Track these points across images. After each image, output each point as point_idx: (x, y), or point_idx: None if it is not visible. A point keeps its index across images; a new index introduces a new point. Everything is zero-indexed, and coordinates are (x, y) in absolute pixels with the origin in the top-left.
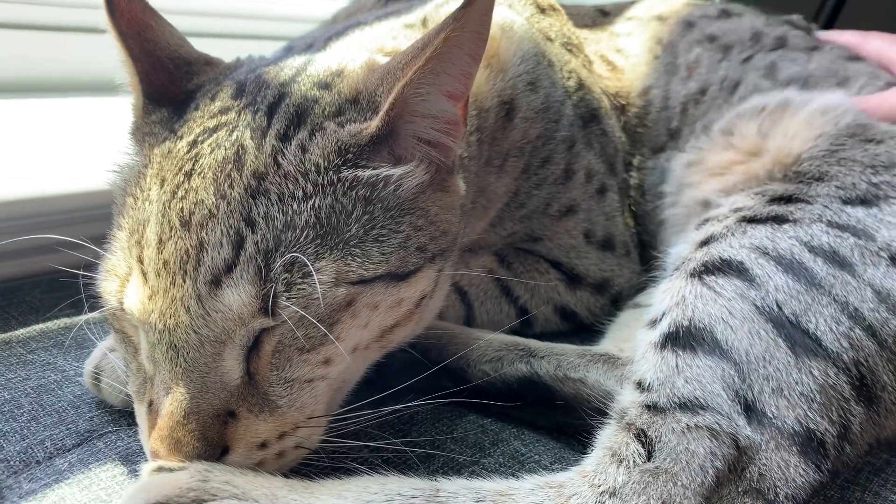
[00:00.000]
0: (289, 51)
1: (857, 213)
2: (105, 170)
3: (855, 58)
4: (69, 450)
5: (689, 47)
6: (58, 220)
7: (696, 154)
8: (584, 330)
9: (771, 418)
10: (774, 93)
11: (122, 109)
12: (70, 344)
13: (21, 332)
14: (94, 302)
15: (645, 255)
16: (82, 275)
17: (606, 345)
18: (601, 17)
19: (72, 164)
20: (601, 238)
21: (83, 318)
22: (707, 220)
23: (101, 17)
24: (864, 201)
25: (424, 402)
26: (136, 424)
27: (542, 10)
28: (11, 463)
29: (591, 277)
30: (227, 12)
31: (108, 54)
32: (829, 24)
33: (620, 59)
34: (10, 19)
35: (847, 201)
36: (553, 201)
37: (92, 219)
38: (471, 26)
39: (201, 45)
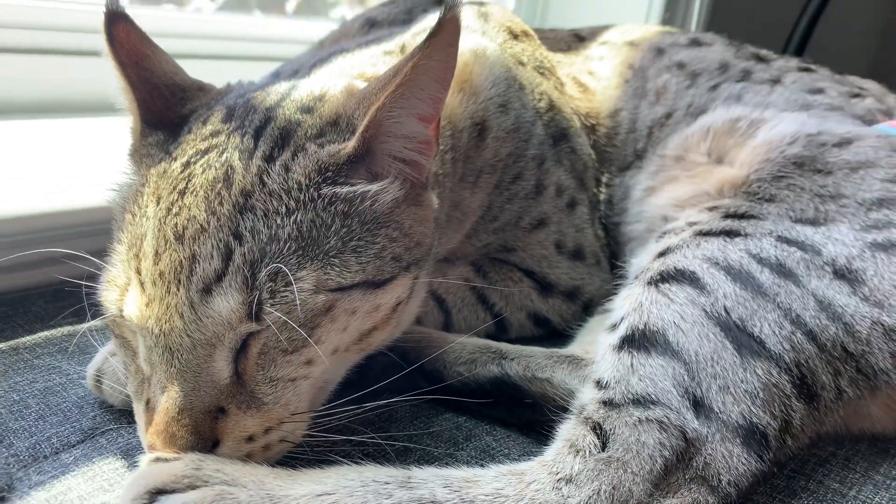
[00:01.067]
0: (276, 76)
1: (806, 231)
2: (105, 188)
3: (817, 90)
4: (74, 445)
5: (658, 73)
6: (61, 235)
7: (656, 173)
8: (557, 335)
9: (717, 413)
10: (720, 111)
11: (120, 129)
12: (73, 349)
13: (27, 339)
14: (96, 310)
15: (615, 264)
16: (84, 285)
17: (574, 348)
18: (576, 42)
19: (73, 182)
20: (571, 248)
21: (85, 325)
22: (665, 233)
23: (101, 43)
24: (813, 222)
25: (403, 399)
26: (135, 423)
27: (515, 37)
28: (21, 457)
29: (563, 285)
30: (220, 35)
31: (106, 76)
32: (799, 51)
33: (592, 82)
34: (17, 44)
35: (797, 220)
36: (525, 214)
37: (93, 233)
38: (437, 55)
39: (196, 67)
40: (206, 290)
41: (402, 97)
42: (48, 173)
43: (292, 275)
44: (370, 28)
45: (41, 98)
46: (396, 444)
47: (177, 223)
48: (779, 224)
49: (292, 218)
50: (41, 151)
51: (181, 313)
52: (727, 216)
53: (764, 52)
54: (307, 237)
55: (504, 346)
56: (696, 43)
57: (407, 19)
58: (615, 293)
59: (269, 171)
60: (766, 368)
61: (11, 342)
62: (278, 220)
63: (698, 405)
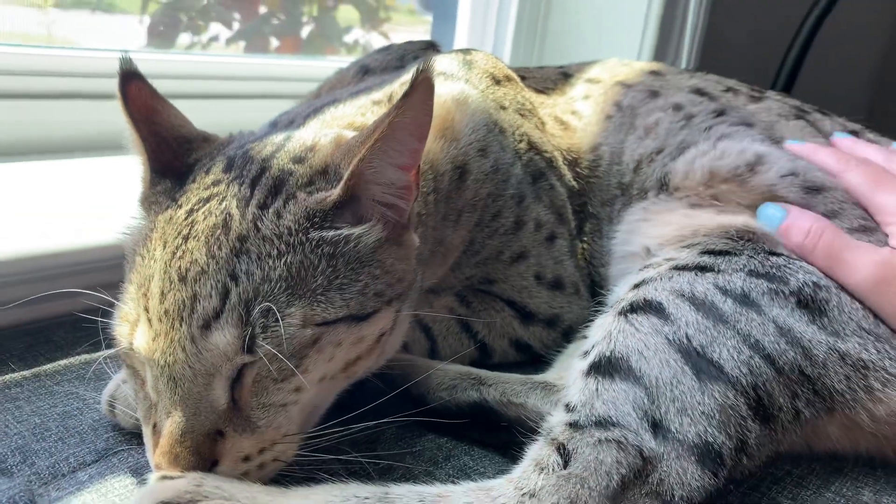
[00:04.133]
0: (273, 126)
1: (779, 261)
2: (114, 226)
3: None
4: (89, 464)
5: (649, 112)
6: (79, 270)
7: (650, 208)
8: (538, 359)
9: (674, 433)
10: (709, 152)
11: (128, 168)
12: (90, 376)
13: (48, 366)
14: (110, 341)
15: (598, 291)
16: (100, 321)
17: (549, 374)
18: (562, 79)
19: (85, 220)
20: (551, 279)
21: (100, 354)
22: (646, 267)
23: (110, 86)
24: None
25: (389, 421)
26: (143, 444)
27: (498, 82)
28: (42, 475)
29: (543, 314)
30: (223, 75)
31: (116, 119)
32: (787, 87)
33: (574, 120)
34: (29, 90)
35: (772, 253)
36: (505, 249)
37: (106, 268)
38: (410, 113)
39: (199, 106)
40: (206, 326)
41: (381, 150)
42: (59, 212)
43: (281, 312)
44: (364, 75)
45: (58, 138)
46: (380, 463)
47: (180, 266)
48: (754, 258)
49: (283, 260)
50: (48, 191)
51: (183, 346)
52: (704, 252)
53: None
54: (296, 277)
55: (483, 372)
56: (699, 92)
57: (399, 66)
58: (593, 320)
59: (263, 217)
60: (722, 391)
61: (34, 370)
62: (270, 263)
63: (656, 426)
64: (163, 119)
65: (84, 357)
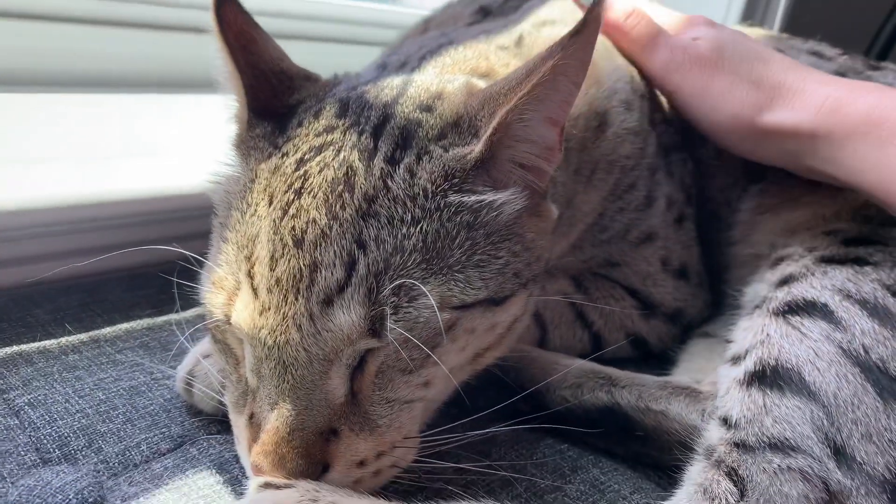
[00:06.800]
0: (383, 68)
1: None
2: (203, 178)
3: None
4: (164, 454)
5: None
6: (139, 220)
7: (769, 189)
8: (652, 357)
9: (860, 463)
10: None
11: (198, 108)
12: (154, 345)
13: (107, 330)
14: (184, 303)
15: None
16: (176, 282)
17: (681, 376)
18: None
19: (151, 161)
20: (677, 267)
21: (162, 318)
22: (781, 259)
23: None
24: None
25: (507, 426)
26: (225, 432)
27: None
28: (111, 464)
29: (666, 306)
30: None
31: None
32: (883, 55)
33: None
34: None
35: None
36: (633, 227)
37: (172, 219)
38: (578, 55)
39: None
40: (328, 302)
41: (536, 99)
42: (122, 152)
43: (416, 290)
44: (484, 16)
45: (132, 71)
46: (500, 473)
47: (295, 226)
48: None
49: (417, 227)
50: (106, 128)
51: (299, 325)
52: (848, 241)
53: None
54: (432, 249)
55: (613, 371)
56: (818, 55)
57: (517, 6)
58: (711, 316)
59: (393, 174)
60: None
61: (92, 333)
62: (403, 230)
63: (839, 454)
64: (261, 50)
65: (146, 322)
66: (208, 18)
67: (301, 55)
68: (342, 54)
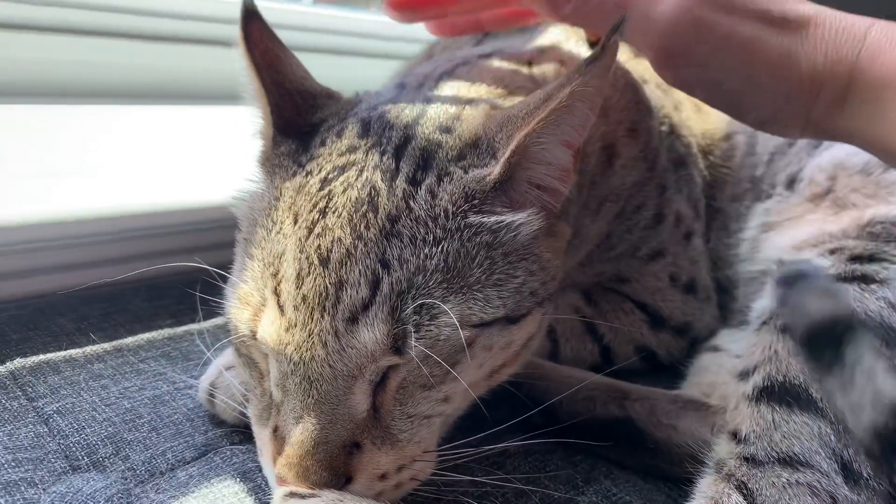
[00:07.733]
0: (402, 88)
1: None
2: (223, 190)
3: None
4: (189, 462)
5: None
6: (158, 232)
7: (775, 208)
8: (661, 369)
9: (867, 479)
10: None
11: (216, 119)
12: (175, 355)
13: (130, 340)
14: (205, 313)
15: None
16: (199, 295)
17: (691, 390)
18: None
19: (174, 175)
20: (685, 281)
21: (183, 328)
22: None
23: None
24: None
25: (521, 440)
26: (248, 442)
27: (637, 53)
28: (137, 472)
29: (675, 320)
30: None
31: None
32: None
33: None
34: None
35: None
36: (642, 245)
37: (188, 231)
38: (595, 82)
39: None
40: (353, 320)
41: (554, 123)
42: (144, 164)
43: (437, 309)
44: (483, 36)
45: (155, 83)
46: (515, 485)
47: (320, 245)
48: None
49: (439, 247)
50: (133, 140)
51: (325, 342)
52: (853, 259)
53: None
54: (452, 269)
55: (625, 385)
56: None
57: (521, 29)
58: (718, 329)
59: (415, 195)
60: None
61: (115, 342)
62: (426, 250)
63: (847, 469)
64: (286, 68)
65: (168, 332)
66: (221, 31)
67: (315, 69)
68: (359, 67)
